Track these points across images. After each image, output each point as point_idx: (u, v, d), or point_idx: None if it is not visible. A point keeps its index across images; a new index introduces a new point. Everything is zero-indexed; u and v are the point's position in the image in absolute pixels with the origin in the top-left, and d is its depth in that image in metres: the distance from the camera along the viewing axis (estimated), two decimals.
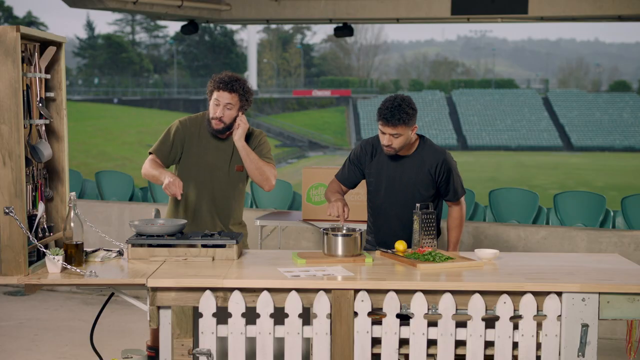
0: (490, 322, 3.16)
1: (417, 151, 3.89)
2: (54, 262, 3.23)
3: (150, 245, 3.51)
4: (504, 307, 3.13)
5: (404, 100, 3.77)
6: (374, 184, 3.95)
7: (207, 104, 4.02)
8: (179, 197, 3.78)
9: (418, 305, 3.13)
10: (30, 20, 58.33)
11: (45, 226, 3.44)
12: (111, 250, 3.61)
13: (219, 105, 3.90)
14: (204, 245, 3.52)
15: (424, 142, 3.92)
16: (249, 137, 4.04)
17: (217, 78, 3.95)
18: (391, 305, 3.14)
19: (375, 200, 3.98)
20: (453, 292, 3.14)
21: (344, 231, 3.59)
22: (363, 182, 4.09)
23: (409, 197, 3.88)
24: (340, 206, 3.74)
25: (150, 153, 4.04)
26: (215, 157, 4.00)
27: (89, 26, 69.30)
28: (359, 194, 5.12)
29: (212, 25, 61.36)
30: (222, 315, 3.17)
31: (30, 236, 3.21)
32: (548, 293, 3.13)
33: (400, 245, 3.65)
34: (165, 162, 4.01)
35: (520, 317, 3.15)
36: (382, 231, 3.97)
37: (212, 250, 3.51)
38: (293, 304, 3.14)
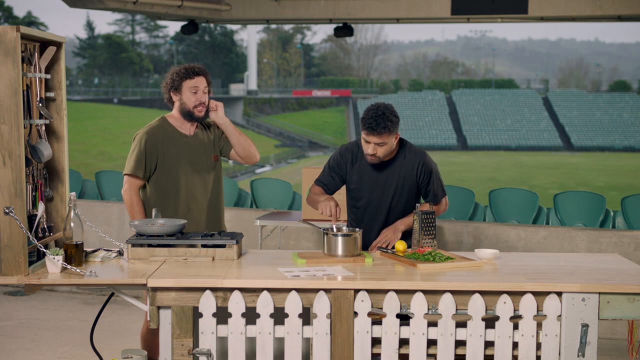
0: (490, 322, 3.16)
1: (398, 155, 3.90)
2: (54, 262, 3.23)
3: (150, 245, 3.51)
4: (504, 307, 3.13)
5: (387, 109, 3.75)
6: (357, 190, 3.95)
7: (171, 101, 4.01)
8: None
9: (418, 305, 3.13)
10: (30, 20, 58.33)
11: (45, 226, 3.44)
12: (111, 250, 3.61)
13: (198, 91, 3.95)
14: (204, 245, 3.52)
15: (404, 146, 3.93)
16: (210, 126, 4.13)
17: (183, 69, 3.98)
18: (391, 305, 3.14)
19: (358, 206, 3.98)
20: (453, 292, 3.14)
21: (344, 231, 3.59)
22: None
23: (394, 201, 3.90)
24: (333, 205, 3.73)
25: (129, 175, 3.94)
26: (192, 154, 4.01)
27: (89, 26, 69.37)
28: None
29: (212, 25, 61.40)
30: (222, 315, 3.17)
31: (30, 236, 3.21)
32: (548, 293, 3.13)
33: (400, 245, 3.65)
34: (142, 174, 3.96)
35: (520, 317, 3.15)
36: (366, 235, 3.95)
37: (212, 250, 3.51)
38: (293, 304, 3.14)
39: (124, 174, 3.99)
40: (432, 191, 3.94)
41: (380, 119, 3.69)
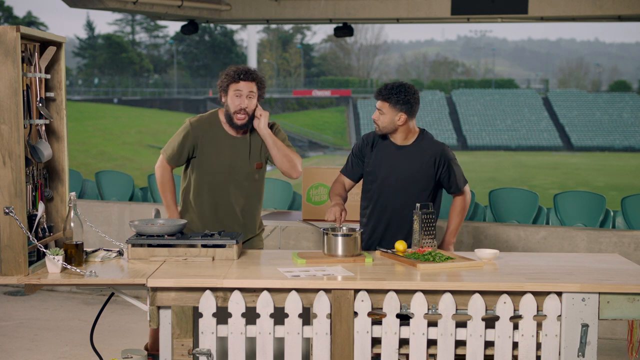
0: (490, 322, 3.16)
1: (416, 142, 3.95)
2: (54, 262, 3.24)
3: (150, 245, 3.51)
4: (504, 307, 3.13)
5: (404, 86, 3.88)
6: (372, 173, 3.98)
7: (221, 101, 3.95)
8: None
9: (418, 305, 3.13)
10: (30, 20, 58.32)
11: (45, 226, 3.44)
12: (111, 250, 3.61)
13: (241, 96, 3.85)
14: (204, 245, 3.52)
15: (423, 135, 3.98)
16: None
17: (232, 71, 3.89)
18: (391, 305, 3.14)
19: (370, 190, 3.99)
20: (453, 292, 3.14)
21: (344, 231, 3.60)
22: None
23: (406, 186, 3.90)
24: (338, 211, 3.77)
25: (164, 156, 4.01)
26: (233, 156, 3.94)
27: (89, 26, 69.36)
28: (358, 194, 5.11)
29: (212, 25, 61.39)
30: (222, 315, 3.17)
31: (30, 236, 3.21)
32: (548, 293, 3.13)
33: (400, 245, 3.65)
34: (175, 164, 4.00)
35: (520, 317, 3.15)
36: (373, 221, 3.98)
37: (212, 250, 3.51)
38: (293, 304, 3.14)
39: (161, 152, 4.02)
40: (455, 182, 3.97)
41: (389, 89, 3.87)
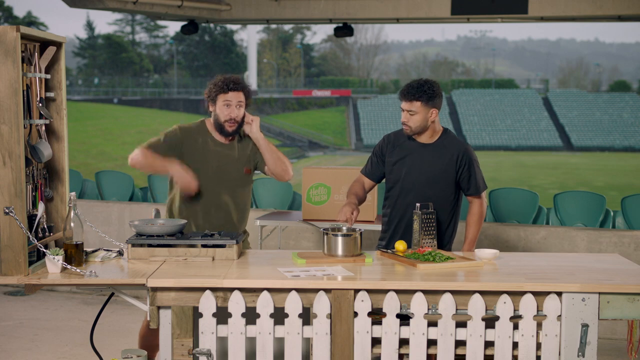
0: (490, 322, 3.16)
1: (439, 140, 3.96)
2: (54, 262, 3.24)
3: (150, 245, 3.51)
4: (504, 307, 3.13)
5: (427, 82, 3.88)
6: (394, 171, 3.98)
7: (209, 110, 4.00)
8: (194, 192, 3.80)
9: (418, 305, 3.13)
10: (30, 20, 58.32)
11: (45, 226, 3.44)
12: (111, 250, 3.61)
13: (231, 105, 3.91)
14: (204, 245, 3.52)
15: (446, 133, 4.00)
16: (249, 138, 4.08)
17: (220, 82, 3.94)
18: (391, 305, 3.14)
19: (392, 189, 4.00)
20: (453, 292, 3.14)
21: (344, 231, 3.60)
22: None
23: (429, 184, 3.90)
24: (349, 211, 3.77)
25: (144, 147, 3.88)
26: (221, 162, 3.97)
27: (89, 26, 69.30)
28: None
29: (212, 25, 61.38)
30: (222, 315, 3.17)
31: (30, 236, 3.21)
32: (548, 293, 3.13)
33: (400, 245, 3.65)
34: (154, 151, 3.87)
35: (520, 317, 3.15)
36: (396, 220, 3.98)
37: (212, 250, 3.51)
38: (293, 304, 3.14)
39: (140, 147, 3.88)
40: (475, 184, 3.96)
41: (415, 88, 3.85)
